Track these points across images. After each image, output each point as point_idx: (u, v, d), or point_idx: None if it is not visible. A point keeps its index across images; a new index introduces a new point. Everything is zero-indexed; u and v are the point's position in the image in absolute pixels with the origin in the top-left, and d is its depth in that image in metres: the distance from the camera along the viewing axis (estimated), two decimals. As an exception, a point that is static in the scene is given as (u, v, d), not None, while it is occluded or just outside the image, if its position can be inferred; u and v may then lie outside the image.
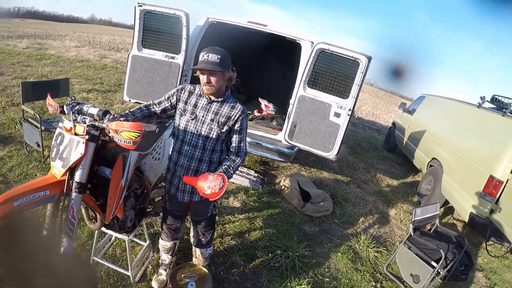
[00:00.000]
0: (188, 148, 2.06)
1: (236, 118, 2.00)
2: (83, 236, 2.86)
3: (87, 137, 1.57)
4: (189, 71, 4.49)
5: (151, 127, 1.91)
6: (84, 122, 1.61)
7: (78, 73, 8.67)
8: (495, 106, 4.88)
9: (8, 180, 3.41)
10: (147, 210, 2.47)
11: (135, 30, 4.24)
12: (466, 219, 4.01)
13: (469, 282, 3.49)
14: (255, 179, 4.54)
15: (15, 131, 4.53)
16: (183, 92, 2.08)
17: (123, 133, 1.54)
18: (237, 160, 2.05)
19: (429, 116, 6.74)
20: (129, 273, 2.46)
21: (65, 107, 1.65)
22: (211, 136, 2.01)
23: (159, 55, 4.27)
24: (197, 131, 2.02)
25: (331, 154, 3.99)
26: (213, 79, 1.89)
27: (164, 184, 2.78)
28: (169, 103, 2.12)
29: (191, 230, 2.45)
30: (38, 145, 3.74)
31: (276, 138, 4.48)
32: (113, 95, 7.48)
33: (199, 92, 2.05)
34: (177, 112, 2.10)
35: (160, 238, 2.47)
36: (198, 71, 1.90)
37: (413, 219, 3.18)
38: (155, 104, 2.15)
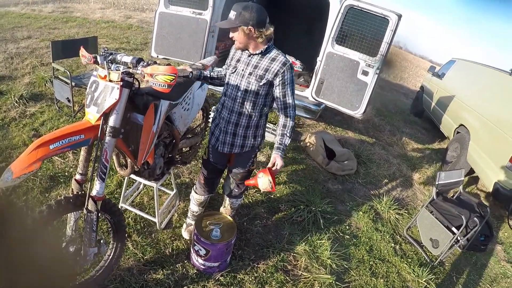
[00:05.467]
0: (229, 101, 2.08)
1: (275, 71, 1.92)
2: (112, 185, 2.98)
3: (121, 83, 1.60)
4: (217, 27, 4.45)
5: (185, 72, 1.93)
6: (118, 70, 1.64)
7: (104, 33, 8.69)
8: None
9: (40, 134, 3.55)
10: (175, 159, 2.54)
11: None
12: (491, 189, 3.94)
13: (488, 254, 3.44)
14: (280, 135, 4.52)
15: (45, 88, 4.65)
16: (232, 48, 2.10)
17: (158, 77, 1.55)
18: (288, 123, 2.03)
19: (459, 81, 6.50)
20: (155, 220, 2.56)
21: (98, 57, 1.65)
22: (249, 89, 1.99)
23: (186, 11, 4.26)
24: (237, 85, 2.03)
25: (358, 113, 3.93)
26: (234, 34, 1.89)
27: (190, 136, 2.85)
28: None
29: (226, 180, 2.48)
30: (69, 100, 3.83)
31: (303, 94, 4.43)
32: (139, 53, 7.54)
33: None
34: (224, 66, 2.14)
35: (193, 191, 2.51)
36: None
37: (437, 183, 3.13)
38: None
